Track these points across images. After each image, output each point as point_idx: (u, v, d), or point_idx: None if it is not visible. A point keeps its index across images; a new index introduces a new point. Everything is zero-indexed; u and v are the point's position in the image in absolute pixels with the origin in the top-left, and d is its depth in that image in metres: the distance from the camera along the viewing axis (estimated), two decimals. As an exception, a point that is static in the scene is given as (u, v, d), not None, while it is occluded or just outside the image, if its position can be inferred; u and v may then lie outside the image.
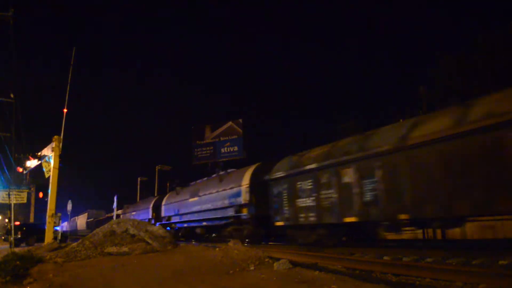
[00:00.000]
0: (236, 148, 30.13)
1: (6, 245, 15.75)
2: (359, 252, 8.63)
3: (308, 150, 12.30)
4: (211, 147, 31.11)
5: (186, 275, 6.11)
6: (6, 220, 28.01)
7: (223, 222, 16.37)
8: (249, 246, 9.61)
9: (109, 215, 38.61)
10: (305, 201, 11.10)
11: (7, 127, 20.42)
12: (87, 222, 49.44)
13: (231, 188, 16.02)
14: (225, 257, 7.24)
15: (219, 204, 16.69)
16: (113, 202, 28.41)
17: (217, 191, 17.22)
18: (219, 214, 16.71)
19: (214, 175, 20.48)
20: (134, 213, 29.55)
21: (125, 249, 9.03)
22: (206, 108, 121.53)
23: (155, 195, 33.15)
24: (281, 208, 12.24)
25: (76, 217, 58.44)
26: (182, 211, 20.82)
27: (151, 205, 25.77)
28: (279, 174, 12.50)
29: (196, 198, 19.35)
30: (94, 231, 10.81)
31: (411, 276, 5.16)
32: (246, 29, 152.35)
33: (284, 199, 12.12)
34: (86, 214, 53.23)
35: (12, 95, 18.47)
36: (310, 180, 10.99)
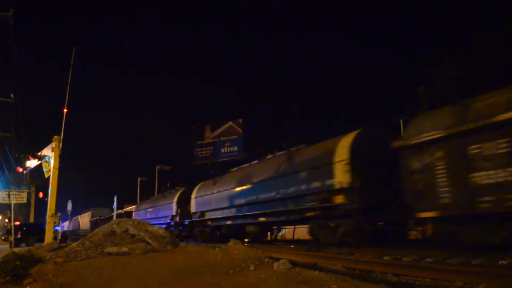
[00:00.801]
0: (236, 148, 30.19)
1: (6, 245, 15.75)
2: (359, 252, 8.64)
3: (472, 98, 8.19)
4: (211, 147, 31.18)
5: (186, 275, 6.11)
6: (6, 220, 28.04)
7: (297, 216, 12.20)
8: (249, 246, 9.59)
9: (110, 214, 37.59)
10: (494, 175, 7.16)
11: (7, 127, 20.48)
12: (91, 221, 46.91)
13: (313, 168, 11.49)
14: (225, 257, 7.24)
15: (290, 191, 12.23)
16: (113, 202, 28.32)
17: (286, 174, 12.68)
18: (288, 205, 12.43)
19: (270, 156, 15.42)
20: (150, 209, 26.36)
21: (125, 249, 9.03)
22: (206, 108, 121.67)
23: (155, 194, 33.00)
24: (432, 190, 8.24)
25: (79, 216, 56.72)
26: (223, 204, 16.48)
27: (176, 199, 22.02)
28: (430, 135, 8.31)
29: (247, 186, 14.82)
30: (94, 231, 10.81)
31: (411, 276, 5.16)
32: (246, 27, 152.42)
33: (439, 175, 8.13)
34: (89, 212, 50.71)
35: (12, 95, 18.54)
36: (504, 140, 7.05)
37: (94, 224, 41.13)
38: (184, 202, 21.35)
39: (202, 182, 20.63)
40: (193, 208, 19.62)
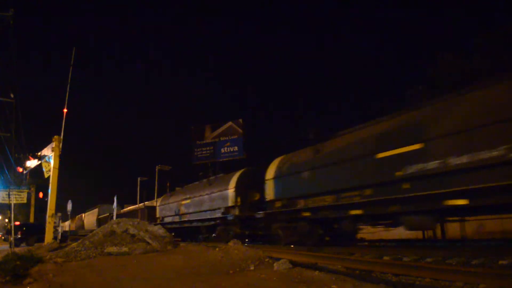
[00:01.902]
0: (236, 148, 30.16)
1: (6, 245, 15.75)
2: (359, 252, 8.65)
3: None
4: (211, 147, 31.14)
5: (186, 275, 6.11)
6: (6, 220, 28.07)
7: None
8: (249, 246, 9.59)
9: (123, 210, 35.65)
10: None
11: (7, 127, 20.50)
12: (98, 219, 42.95)
13: None
14: (225, 257, 7.24)
15: None
16: (113, 202, 28.22)
17: None
18: None
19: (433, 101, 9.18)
20: (186, 202, 20.45)
21: (125, 249, 9.03)
22: (206, 108, 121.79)
23: (155, 194, 32.68)
24: None
25: (83, 214, 54.79)
26: (341, 184, 10.30)
27: (233, 184, 16.22)
28: None
29: (409, 148, 8.39)
30: (94, 231, 10.83)
31: (411, 276, 5.16)
32: (248, 26, 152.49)
33: None
34: (96, 210, 46.93)
35: (12, 95, 18.58)
36: None
37: (102, 223, 35.07)
38: (245, 188, 16.03)
39: (282, 155, 14.17)
40: (269, 195, 13.58)
